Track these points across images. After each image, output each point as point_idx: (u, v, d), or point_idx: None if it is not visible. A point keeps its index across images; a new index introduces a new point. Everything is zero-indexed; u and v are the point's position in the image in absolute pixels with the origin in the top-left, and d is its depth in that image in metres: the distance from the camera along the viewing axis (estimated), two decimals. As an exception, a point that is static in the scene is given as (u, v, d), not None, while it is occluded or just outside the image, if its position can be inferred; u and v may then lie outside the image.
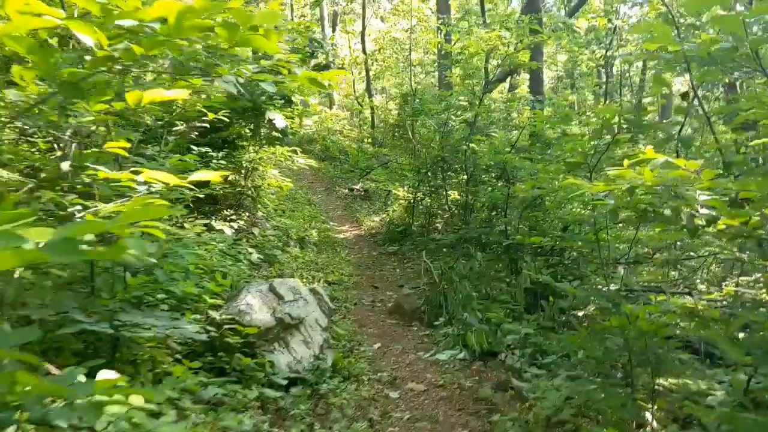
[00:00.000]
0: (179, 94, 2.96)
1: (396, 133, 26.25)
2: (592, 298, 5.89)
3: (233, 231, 8.21)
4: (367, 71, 26.05)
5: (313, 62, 11.85)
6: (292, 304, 5.34)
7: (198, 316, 4.98)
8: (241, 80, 2.82)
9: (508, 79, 21.93)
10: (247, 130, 9.71)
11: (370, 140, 25.69)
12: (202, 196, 8.24)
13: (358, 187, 17.95)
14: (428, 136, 19.68)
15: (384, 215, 14.71)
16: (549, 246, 7.35)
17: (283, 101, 9.37)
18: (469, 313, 6.62)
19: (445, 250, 10.52)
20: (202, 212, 9.22)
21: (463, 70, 18.71)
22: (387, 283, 8.90)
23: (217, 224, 8.05)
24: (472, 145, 9.38)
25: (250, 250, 8.03)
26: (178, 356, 4.49)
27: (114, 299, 4.00)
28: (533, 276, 7.04)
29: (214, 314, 4.83)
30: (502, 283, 7.76)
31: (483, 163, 9.46)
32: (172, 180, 2.94)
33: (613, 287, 6.62)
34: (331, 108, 31.83)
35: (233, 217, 9.44)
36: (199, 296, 5.05)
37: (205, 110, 6.85)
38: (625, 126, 5.21)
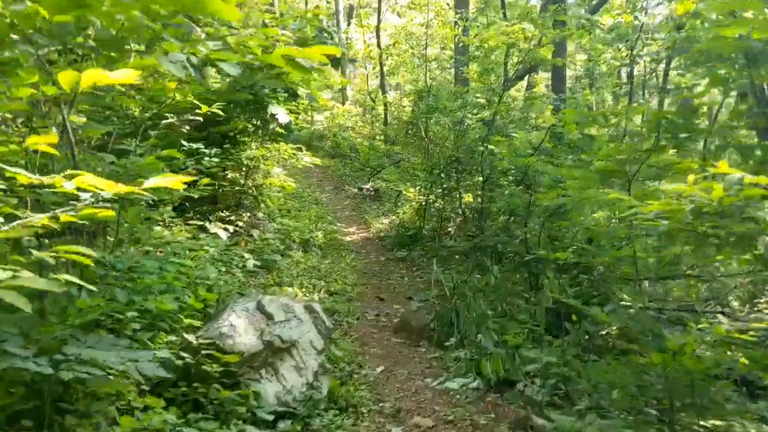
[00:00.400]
0: (126, 76, 2.31)
1: (409, 131, 25.58)
2: (626, 323, 5.21)
3: (229, 234, 7.57)
4: (381, 66, 25.38)
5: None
6: (284, 324, 4.68)
7: (174, 338, 4.34)
8: (195, 60, 2.16)
9: (526, 78, 21.19)
10: (250, 126, 9.08)
11: (382, 138, 25.03)
12: (195, 196, 7.62)
13: (367, 186, 17.29)
14: (442, 135, 19.01)
15: (394, 217, 14.04)
16: (574, 260, 6.64)
17: (287, 95, 8.72)
18: (484, 334, 5.94)
19: (457, 257, 9.85)
20: (199, 212, 8.62)
21: (480, 66, 18.00)
22: (394, 294, 8.23)
23: (213, 226, 7.41)
24: (490, 146, 8.68)
25: (247, 255, 7.38)
26: (145, 387, 3.85)
27: (65, 324, 3.37)
28: (556, 295, 6.36)
29: (190, 337, 4.18)
30: (520, 299, 7.08)
31: (501, 165, 8.76)
32: (113, 187, 2.30)
33: (641, 306, 5.95)
34: (343, 104, 31.19)
35: (232, 218, 8.81)
36: (176, 314, 4.41)
37: (197, 102, 6.22)
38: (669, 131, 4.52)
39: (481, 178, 10.80)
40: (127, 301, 4.05)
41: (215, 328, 4.32)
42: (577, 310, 5.82)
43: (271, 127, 8.69)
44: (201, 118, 6.61)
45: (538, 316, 6.40)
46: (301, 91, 8.80)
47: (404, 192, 15.18)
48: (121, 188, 2.29)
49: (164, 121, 6.47)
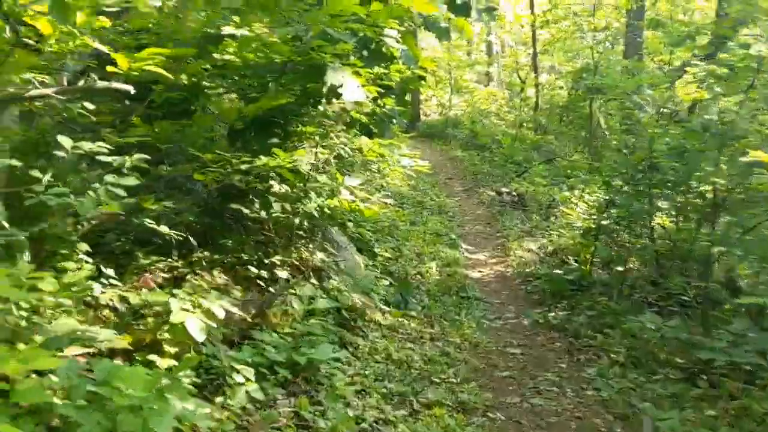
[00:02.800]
0: None
1: (564, 118, 20.96)
2: None
3: (229, 310, 3.80)
4: (534, 41, 20.95)
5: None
6: None
7: None
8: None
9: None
10: (302, 105, 5.34)
11: (531, 125, 20.67)
12: (176, 236, 4.03)
13: (509, 190, 13.11)
14: (614, 127, 14.44)
15: (545, 240, 9.83)
16: None
17: (364, 51, 4.86)
18: None
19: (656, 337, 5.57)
20: (222, 250, 5.18)
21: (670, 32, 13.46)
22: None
23: (176, 304, 3.67)
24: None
25: (241, 367, 3.62)
26: None
27: None
28: None
29: None
30: None
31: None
32: None
33: None
34: (487, 85, 27.01)
35: (276, 260, 5.19)
36: None
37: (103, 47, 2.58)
38: None
39: (700, 201, 6.44)
40: None
41: None
42: None
43: (332, 108, 4.89)
44: (132, 88, 2.93)
45: None
46: (391, 42, 4.86)
47: (560, 204, 10.91)
48: None
49: (34, 91, 2.84)
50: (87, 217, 2.81)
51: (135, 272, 4.81)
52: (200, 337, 3.50)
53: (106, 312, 4.07)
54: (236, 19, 4.57)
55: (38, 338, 3.06)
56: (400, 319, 5.99)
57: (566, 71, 22.17)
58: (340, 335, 4.91)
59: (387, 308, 6.18)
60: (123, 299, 4.17)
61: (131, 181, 2.86)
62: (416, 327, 5.98)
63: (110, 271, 4.20)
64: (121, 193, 2.82)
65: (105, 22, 2.72)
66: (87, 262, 3.93)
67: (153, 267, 4.90)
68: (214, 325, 3.63)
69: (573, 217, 9.26)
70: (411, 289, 6.99)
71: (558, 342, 6.15)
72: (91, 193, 2.77)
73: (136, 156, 3.02)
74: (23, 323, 3.16)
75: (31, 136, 3.47)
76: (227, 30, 4.48)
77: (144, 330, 3.84)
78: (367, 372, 4.53)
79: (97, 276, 4.09)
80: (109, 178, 2.83)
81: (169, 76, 2.91)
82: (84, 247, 3.80)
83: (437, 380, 4.75)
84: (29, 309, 3.24)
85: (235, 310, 3.82)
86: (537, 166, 14.41)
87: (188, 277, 4.92)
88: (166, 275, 4.92)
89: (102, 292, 4.04)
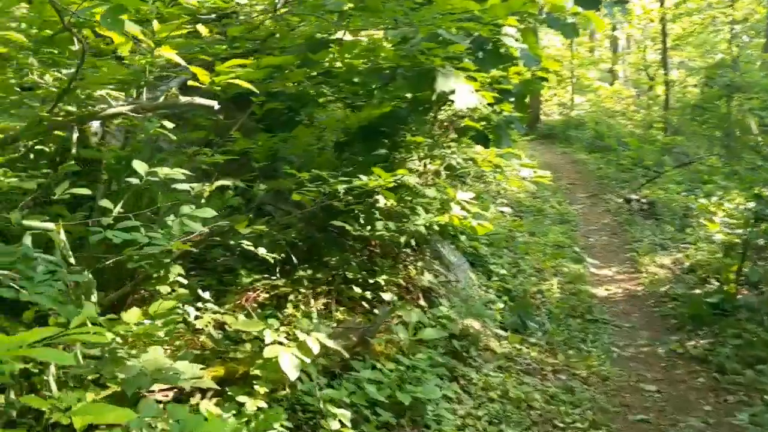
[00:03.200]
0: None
1: (698, 117, 19.42)
2: None
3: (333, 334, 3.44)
4: (664, 35, 19.49)
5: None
6: None
7: None
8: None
9: None
10: (417, 116, 4.91)
11: (660, 125, 19.25)
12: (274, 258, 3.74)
13: (638, 196, 12.10)
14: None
15: (681, 255, 8.89)
16: None
17: (479, 52, 4.37)
18: None
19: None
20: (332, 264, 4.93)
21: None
22: None
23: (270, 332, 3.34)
24: None
25: (337, 411, 3.23)
26: None
27: None
28: None
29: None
30: None
31: None
32: None
33: None
34: (612, 83, 25.54)
35: (381, 280, 4.84)
36: None
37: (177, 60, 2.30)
38: None
39: None
40: None
41: None
42: None
43: (443, 115, 4.44)
44: (216, 103, 2.64)
45: None
46: (510, 42, 4.36)
47: (697, 213, 9.86)
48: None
49: (109, 110, 2.60)
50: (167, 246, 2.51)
51: (236, 292, 4.61)
52: (293, 375, 3.16)
53: (202, 338, 3.86)
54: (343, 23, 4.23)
55: (120, 376, 2.84)
56: (518, 346, 5.45)
57: (699, 67, 20.56)
58: (449, 366, 4.45)
59: (503, 333, 5.66)
60: (219, 325, 3.95)
61: (209, 212, 2.54)
62: (536, 356, 5.41)
63: (207, 295, 3.99)
64: (197, 227, 2.50)
65: (167, 27, 2.41)
66: (181, 285, 3.73)
67: (254, 285, 4.69)
68: (308, 360, 3.27)
69: (713, 230, 8.27)
70: (530, 309, 6.42)
71: (700, 377, 5.37)
72: (169, 222, 2.48)
73: (218, 183, 2.72)
74: (107, 355, 2.97)
75: (122, 155, 3.27)
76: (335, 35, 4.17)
77: (238, 361, 3.56)
78: (480, 413, 4.04)
79: (194, 299, 3.90)
80: (185, 209, 2.53)
81: (254, 89, 2.59)
82: (177, 269, 3.58)
83: (561, 424, 4.19)
84: (116, 337, 3.05)
85: (331, 344, 3.44)
86: (669, 170, 13.26)
87: (290, 297, 4.68)
88: (267, 294, 4.71)
89: (197, 317, 3.84)
